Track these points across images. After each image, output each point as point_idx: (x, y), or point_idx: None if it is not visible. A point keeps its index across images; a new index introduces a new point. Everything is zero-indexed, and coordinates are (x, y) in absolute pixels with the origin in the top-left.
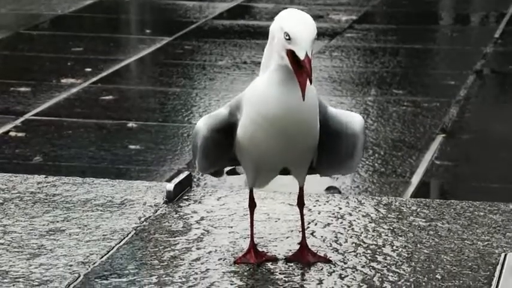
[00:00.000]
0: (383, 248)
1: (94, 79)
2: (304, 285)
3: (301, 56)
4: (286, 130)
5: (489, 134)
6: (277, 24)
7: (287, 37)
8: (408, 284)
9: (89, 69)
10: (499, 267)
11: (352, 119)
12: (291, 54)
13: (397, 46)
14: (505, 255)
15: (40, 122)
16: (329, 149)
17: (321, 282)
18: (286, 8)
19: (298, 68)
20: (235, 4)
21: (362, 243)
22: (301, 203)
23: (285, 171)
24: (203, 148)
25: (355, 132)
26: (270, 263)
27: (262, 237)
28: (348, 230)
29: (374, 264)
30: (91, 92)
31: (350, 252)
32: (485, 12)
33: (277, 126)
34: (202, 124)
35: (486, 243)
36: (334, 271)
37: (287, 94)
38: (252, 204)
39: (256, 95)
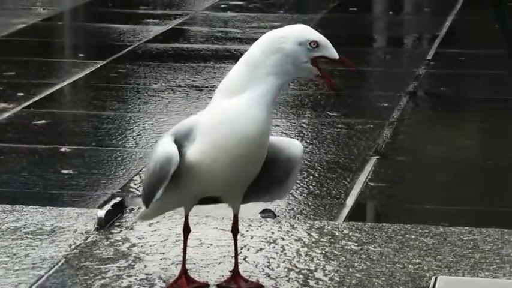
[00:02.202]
0: (315, 273)
1: (26, 103)
2: None
3: (337, 56)
4: (255, 153)
5: (422, 155)
6: (283, 43)
7: (314, 45)
8: None
9: (21, 94)
10: None
11: (291, 144)
12: (315, 61)
13: (331, 68)
14: (436, 279)
15: None
16: (259, 176)
17: None
18: (221, 31)
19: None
20: (169, 27)
21: (294, 268)
22: (235, 230)
23: (208, 200)
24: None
25: (296, 158)
26: None
27: (194, 263)
28: (281, 255)
29: None
30: (23, 117)
31: (282, 277)
32: (417, 35)
33: (250, 149)
34: (175, 152)
35: (417, 266)
36: None
37: (267, 118)
38: (187, 230)
39: (238, 116)
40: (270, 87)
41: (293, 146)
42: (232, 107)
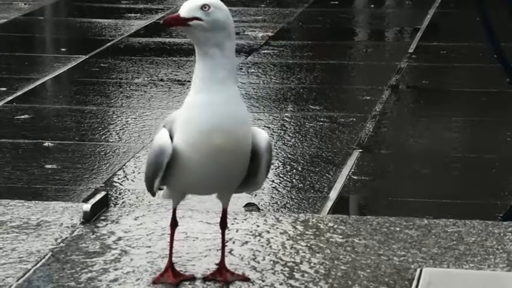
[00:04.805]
0: (300, 265)
1: (9, 98)
2: None
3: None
4: (230, 144)
5: (405, 148)
6: None
7: None
8: None
9: (3, 89)
10: (415, 283)
11: (256, 136)
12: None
13: (313, 62)
14: (421, 270)
15: None
16: None
17: None
18: None
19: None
20: (151, 21)
21: (280, 261)
22: (224, 224)
23: None
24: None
25: (260, 150)
26: (188, 282)
27: (180, 257)
28: (266, 248)
29: (292, 281)
30: (6, 112)
31: (268, 270)
32: (399, 28)
33: (223, 139)
34: (168, 142)
35: (402, 258)
36: None
37: (233, 99)
38: (174, 223)
39: (202, 106)
40: (208, 60)
41: (257, 137)
42: (195, 96)
